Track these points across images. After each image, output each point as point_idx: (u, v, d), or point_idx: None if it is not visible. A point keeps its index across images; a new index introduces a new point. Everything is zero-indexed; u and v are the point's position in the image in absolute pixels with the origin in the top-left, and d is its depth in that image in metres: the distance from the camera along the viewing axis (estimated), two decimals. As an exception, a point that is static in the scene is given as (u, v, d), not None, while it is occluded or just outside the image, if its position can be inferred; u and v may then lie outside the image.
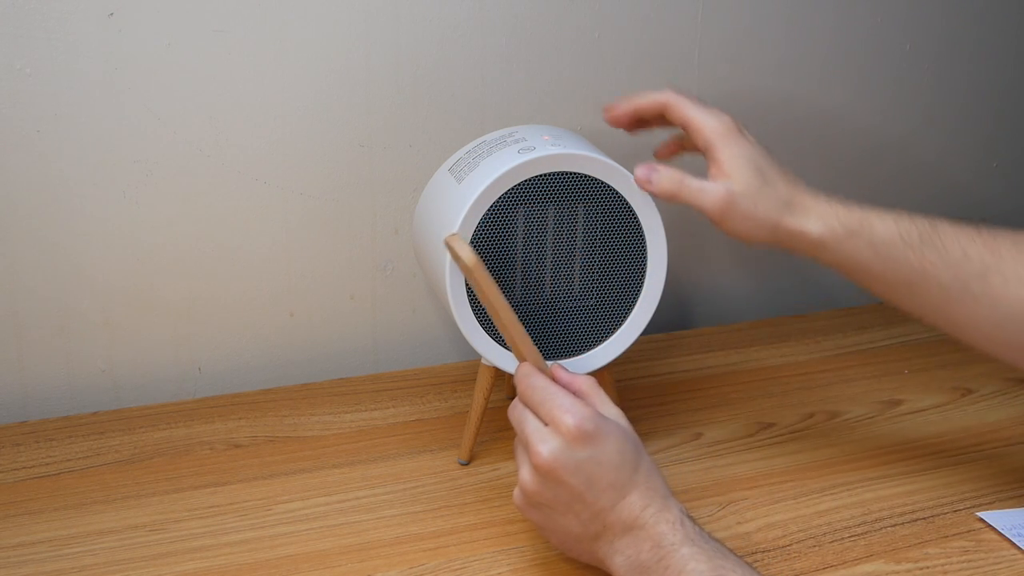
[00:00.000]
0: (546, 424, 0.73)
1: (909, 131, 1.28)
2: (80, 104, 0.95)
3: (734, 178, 0.82)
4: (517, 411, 0.77)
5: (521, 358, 0.80)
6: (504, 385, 1.04)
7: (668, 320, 1.23)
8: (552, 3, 1.07)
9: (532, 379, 0.76)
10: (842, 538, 0.83)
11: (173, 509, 0.86)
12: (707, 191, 0.83)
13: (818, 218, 0.82)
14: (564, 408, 0.73)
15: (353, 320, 1.10)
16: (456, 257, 0.78)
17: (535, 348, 0.79)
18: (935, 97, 1.28)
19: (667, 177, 0.84)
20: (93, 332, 1.02)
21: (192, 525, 0.84)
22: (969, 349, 0.84)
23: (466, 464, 0.93)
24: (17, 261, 0.98)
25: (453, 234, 0.78)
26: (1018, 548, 0.81)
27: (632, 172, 0.85)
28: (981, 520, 0.85)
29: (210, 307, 1.05)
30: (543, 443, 0.72)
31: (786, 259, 1.27)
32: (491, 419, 0.99)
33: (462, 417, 0.99)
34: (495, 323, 0.80)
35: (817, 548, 0.82)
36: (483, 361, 0.89)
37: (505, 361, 0.88)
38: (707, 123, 0.84)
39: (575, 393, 0.77)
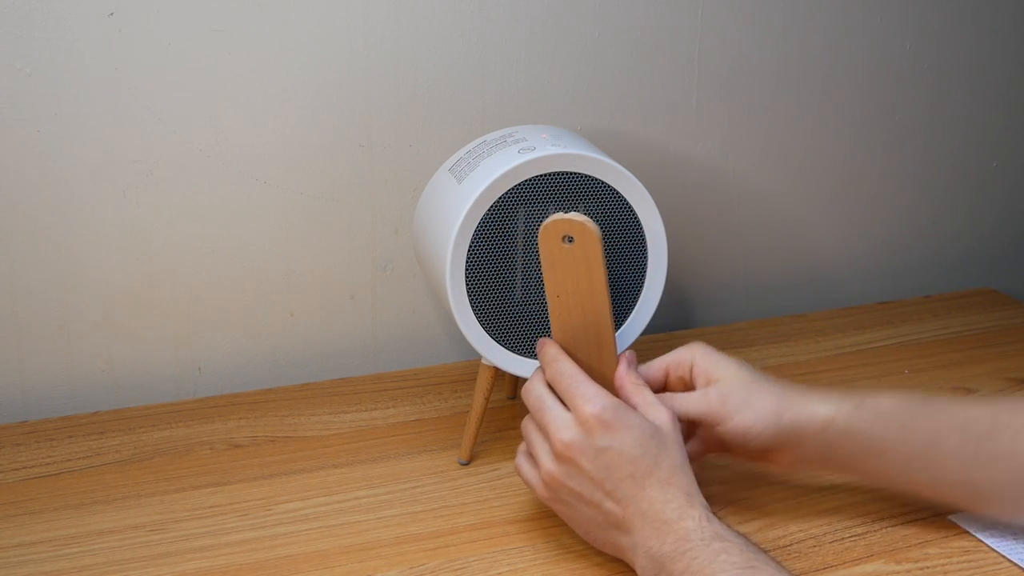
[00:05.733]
0: (567, 410, 0.76)
1: (908, 131, 1.28)
2: (80, 104, 0.95)
3: (721, 378, 0.80)
4: (534, 395, 0.78)
5: (597, 344, 0.80)
6: (504, 385, 1.04)
7: (668, 320, 1.23)
8: (552, 3, 1.07)
9: (560, 364, 0.78)
10: (842, 538, 0.83)
11: (173, 509, 0.86)
12: (691, 396, 0.80)
13: (821, 400, 0.80)
14: (587, 397, 0.75)
15: (353, 320, 1.10)
16: (565, 235, 0.77)
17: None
18: (935, 97, 1.28)
19: None
20: (93, 332, 1.02)
21: (192, 525, 0.84)
22: (987, 509, 0.81)
23: (466, 464, 0.93)
24: (17, 261, 0.98)
25: (575, 213, 0.78)
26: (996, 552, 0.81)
27: (631, 171, 0.85)
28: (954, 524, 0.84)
29: (210, 307, 1.05)
30: (564, 429, 0.75)
31: (786, 259, 1.28)
32: (491, 419, 0.99)
33: (462, 417, 0.99)
34: (582, 305, 0.80)
35: (817, 548, 0.82)
36: (483, 361, 0.89)
37: (505, 361, 0.88)
38: (686, 351, 0.83)
39: (619, 390, 0.79)
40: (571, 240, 0.78)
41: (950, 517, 0.85)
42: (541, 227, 0.78)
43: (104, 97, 0.96)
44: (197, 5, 0.96)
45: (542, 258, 0.79)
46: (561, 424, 0.75)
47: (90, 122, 0.96)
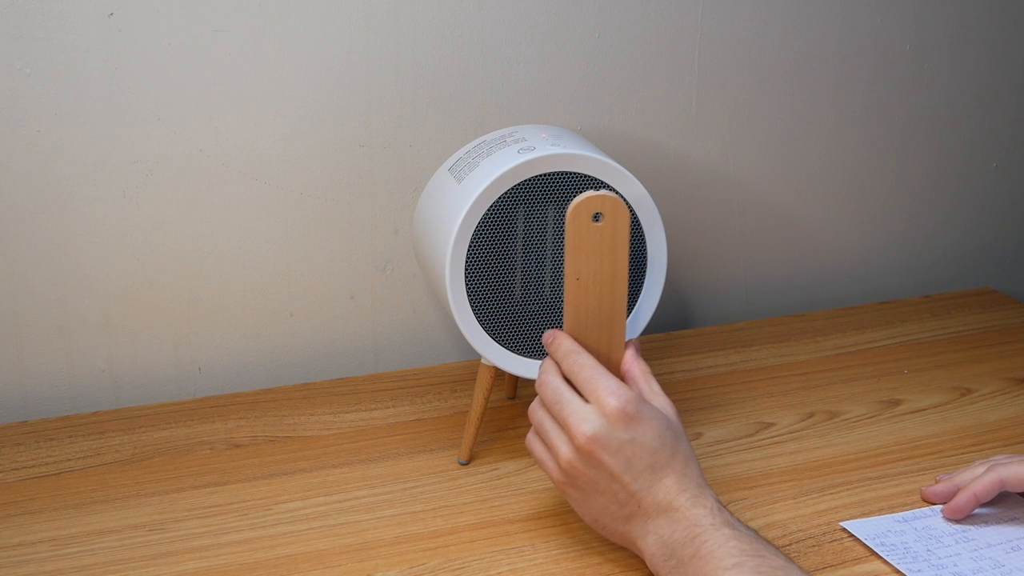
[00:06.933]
0: (587, 402, 0.76)
1: (908, 131, 1.28)
2: (80, 104, 0.95)
3: None
4: (551, 388, 0.78)
5: (605, 333, 0.81)
6: (504, 385, 1.04)
7: (668, 320, 1.23)
8: (553, 3, 1.07)
9: (579, 356, 0.78)
10: (842, 538, 0.83)
11: (173, 509, 0.86)
12: None
13: None
14: (610, 390, 0.75)
15: (353, 320, 1.10)
16: (595, 213, 0.77)
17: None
18: (934, 97, 1.28)
19: None
20: (93, 332, 1.02)
21: (192, 525, 0.84)
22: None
23: (466, 464, 0.93)
24: (17, 261, 0.98)
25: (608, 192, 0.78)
26: (881, 559, 0.80)
27: (631, 171, 0.85)
28: (844, 530, 0.83)
29: (210, 307, 1.05)
30: (586, 422, 0.75)
31: (786, 259, 1.28)
32: (491, 419, 0.99)
33: (462, 417, 0.99)
34: (600, 287, 0.80)
35: (817, 548, 0.82)
36: (483, 361, 0.89)
37: (505, 361, 0.88)
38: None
39: (626, 375, 0.80)
40: (599, 219, 0.78)
41: (841, 524, 0.83)
42: (571, 205, 0.77)
43: (104, 97, 0.96)
44: (197, 5, 0.96)
45: (567, 238, 0.78)
46: (582, 417, 0.75)
47: (90, 122, 0.96)
